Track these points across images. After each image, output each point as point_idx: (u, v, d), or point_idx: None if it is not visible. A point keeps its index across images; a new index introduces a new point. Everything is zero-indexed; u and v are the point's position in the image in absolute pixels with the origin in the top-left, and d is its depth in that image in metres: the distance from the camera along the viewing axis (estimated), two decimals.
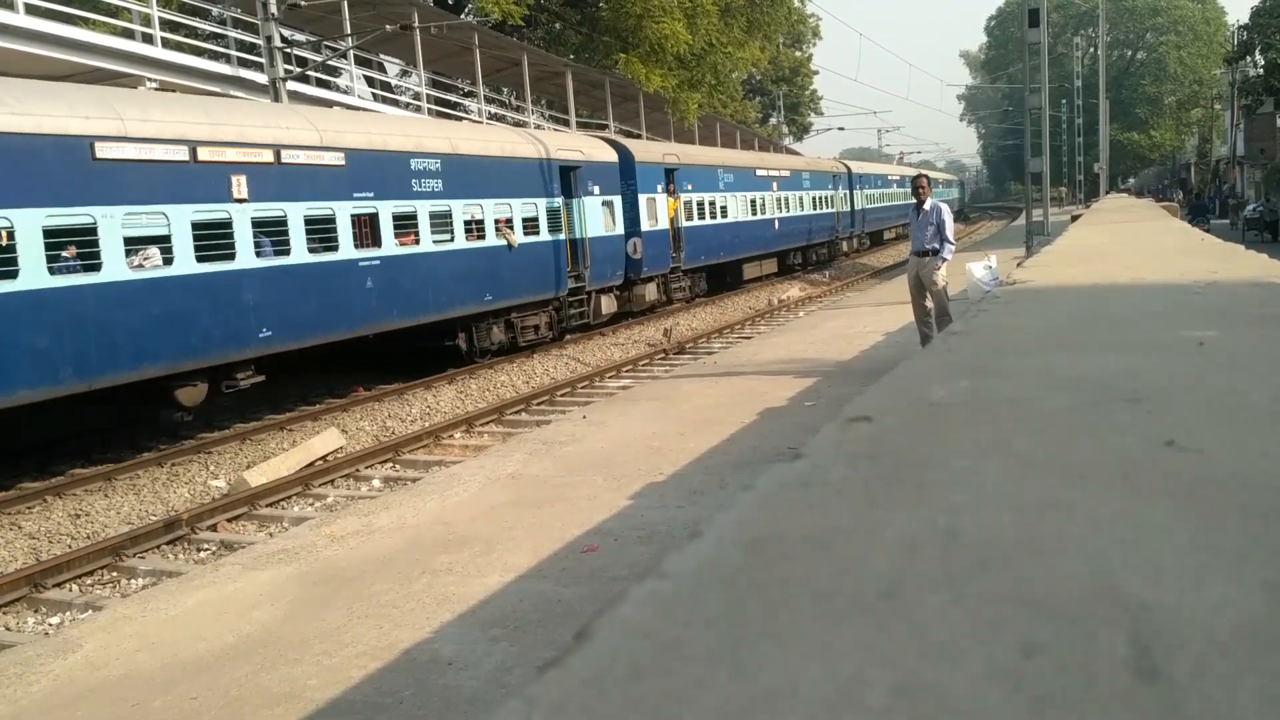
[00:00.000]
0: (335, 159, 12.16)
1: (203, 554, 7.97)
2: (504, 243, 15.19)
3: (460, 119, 21.97)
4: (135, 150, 9.69)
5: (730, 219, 24.62)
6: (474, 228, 14.71)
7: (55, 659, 4.71)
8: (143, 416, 10.88)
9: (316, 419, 12.03)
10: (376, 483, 9.74)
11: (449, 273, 14.01)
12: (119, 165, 9.55)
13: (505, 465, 7.64)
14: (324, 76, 21.58)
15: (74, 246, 9.23)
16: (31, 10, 13.89)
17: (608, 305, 18.61)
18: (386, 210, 12.86)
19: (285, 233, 11.39)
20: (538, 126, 25.01)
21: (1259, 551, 1.02)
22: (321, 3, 17.98)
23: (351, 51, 20.14)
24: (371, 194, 12.64)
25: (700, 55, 29.67)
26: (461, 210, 14.37)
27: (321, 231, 11.90)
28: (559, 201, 16.80)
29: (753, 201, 26.35)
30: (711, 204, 23.52)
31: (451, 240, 14.15)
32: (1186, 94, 69.61)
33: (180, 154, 10.16)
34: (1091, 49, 61.09)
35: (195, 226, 10.24)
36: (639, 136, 29.34)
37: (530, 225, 15.97)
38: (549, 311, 16.76)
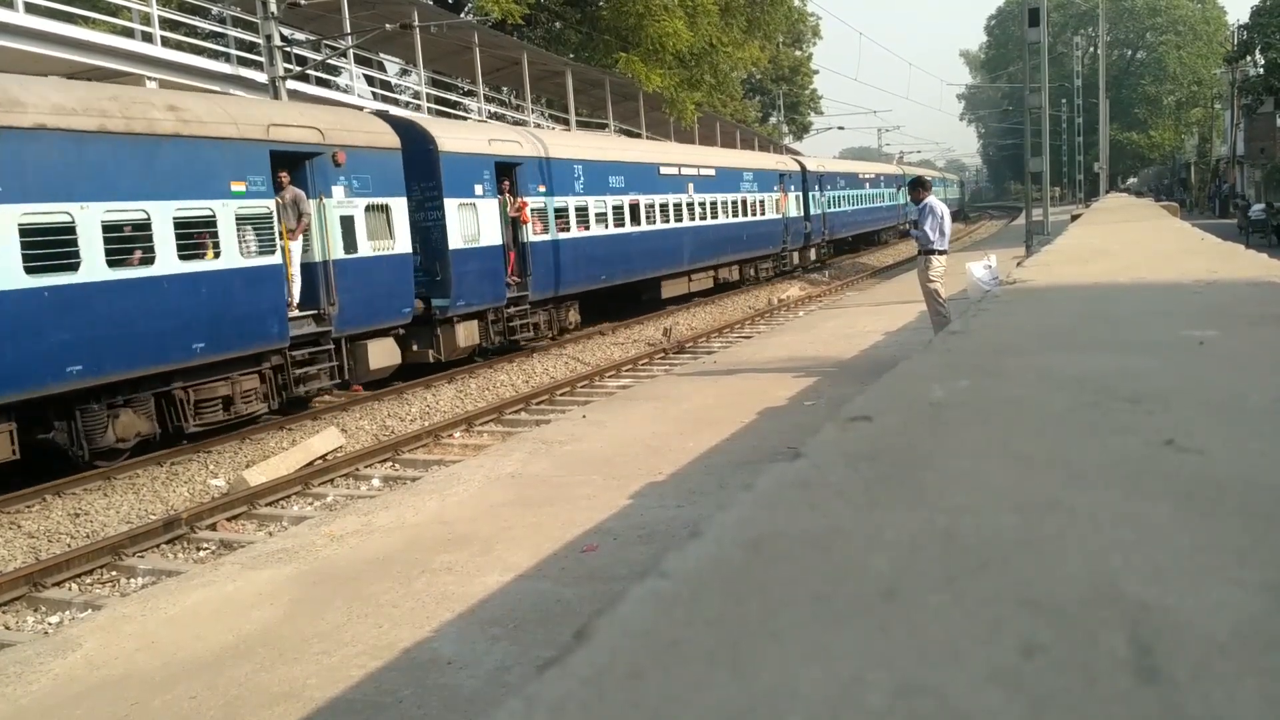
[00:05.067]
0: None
1: (202, 553, 7.97)
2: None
3: (463, 119, 21.98)
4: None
5: None
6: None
7: (55, 658, 4.71)
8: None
9: (316, 418, 12.03)
10: (376, 482, 9.74)
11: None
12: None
13: (505, 465, 7.63)
14: (323, 75, 21.57)
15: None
16: (31, 9, 13.89)
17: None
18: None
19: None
20: (537, 125, 25.02)
21: (1259, 552, 1.02)
22: (321, 1, 17.98)
23: (351, 50, 20.13)
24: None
25: (700, 55, 29.66)
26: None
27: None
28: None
29: None
30: None
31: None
32: (1186, 94, 69.67)
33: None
34: (1091, 48, 61.14)
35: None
36: (639, 135, 29.34)
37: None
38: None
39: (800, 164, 31.61)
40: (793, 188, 29.57)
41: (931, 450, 1.51)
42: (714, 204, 23.86)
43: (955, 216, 52.86)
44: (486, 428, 11.81)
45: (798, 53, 57.18)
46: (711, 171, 24.15)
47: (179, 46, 16.79)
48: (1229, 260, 5.10)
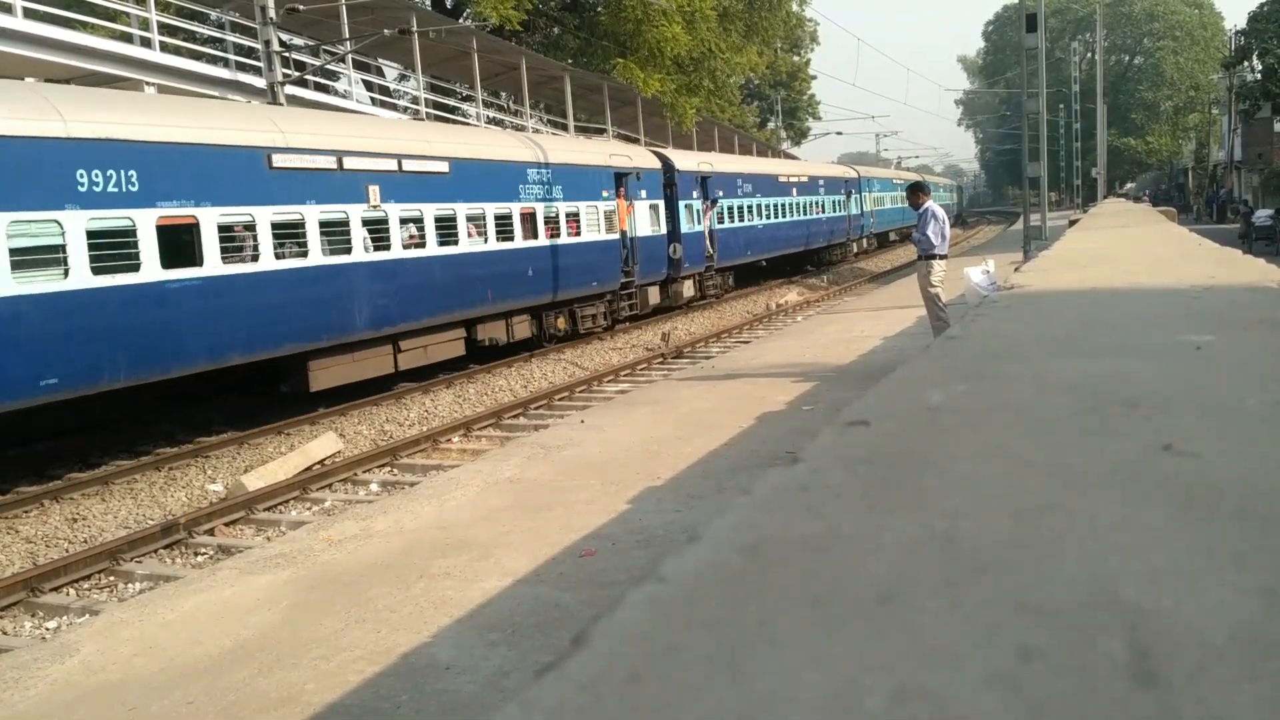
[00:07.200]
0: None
1: (200, 558, 7.96)
2: None
3: (462, 124, 22.01)
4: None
5: None
6: None
7: (52, 663, 4.70)
8: None
9: (314, 423, 12.02)
10: (374, 487, 9.74)
11: None
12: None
13: (503, 469, 7.63)
14: (322, 80, 21.60)
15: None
16: (30, 14, 13.90)
17: None
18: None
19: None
20: (535, 130, 25.05)
21: (1257, 556, 1.02)
22: (320, 7, 18.00)
23: (350, 56, 20.15)
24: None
25: (698, 60, 29.70)
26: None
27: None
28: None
29: None
30: None
31: None
32: (1183, 99, 69.85)
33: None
34: (1089, 54, 61.26)
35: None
36: (637, 140, 29.39)
37: None
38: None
39: (663, 159, 22.03)
40: (645, 194, 20.42)
41: (929, 455, 1.51)
42: (449, 219, 14.44)
43: (954, 222, 51.94)
44: (485, 432, 11.81)
45: (796, 58, 57.29)
46: (441, 166, 14.37)
47: (178, 52, 16.81)
48: (1227, 265, 5.11)
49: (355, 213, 12.60)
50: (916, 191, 10.74)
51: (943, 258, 10.21)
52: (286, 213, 11.59)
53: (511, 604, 4.84)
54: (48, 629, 6.68)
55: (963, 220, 74.66)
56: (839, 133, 62.33)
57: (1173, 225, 12.29)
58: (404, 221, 13.53)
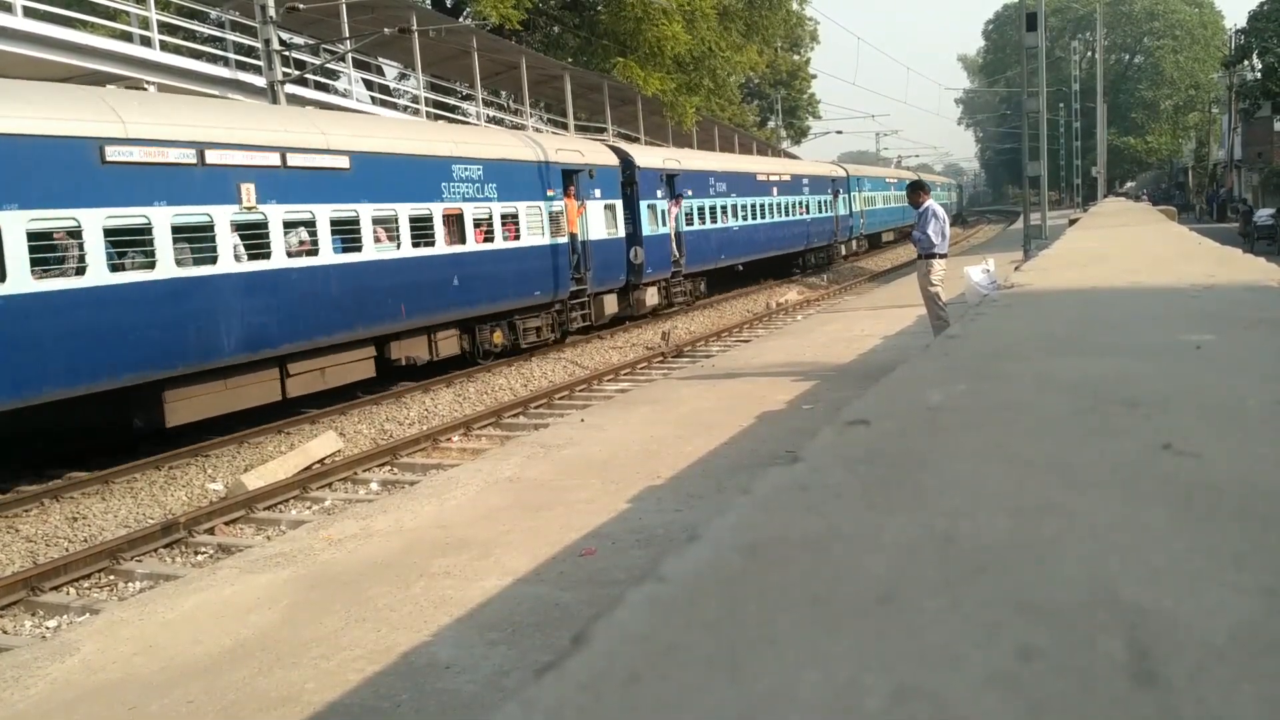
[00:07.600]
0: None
1: (200, 557, 7.96)
2: None
3: (462, 123, 22.03)
4: None
5: None
6: None
7: (52, 662, 4.70)
8: None
9: (314, 422, 12.03)
10: (374, 486, 9.74)
11: None
12: None
13: (503, 468, 7.63)
14: (322, 79, 21.60)
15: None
16: (30, 13, 13.90)
17: None
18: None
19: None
20: (536, 129, 25.05)
21: (1256, 556, 1.02)
22: (320, 6, 18.00)
23: (350, 55, 20.15)
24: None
25: (698, 59, 29.71)
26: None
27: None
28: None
29: None
30: None
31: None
32: (1183, 98, 69.92)
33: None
34: (1089, 53, 61.30)
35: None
36: (637, 140, 29.38)
37: None
38: None
39: (621, 155, 20.29)
40: (599, 193, 18.65)
41: (929, 454, 1.51)
42: (350, 222, 12.54)
43: (953, 221, 51.76)
44: (485, 431, 11.81)
45: (796, 57, 57.30)
46: (339, 161, 12.42)
47: (178, 51, 16.81)
48: (1227, 264, 5.11)
49: (222, 215, 10.65)
50: (916, 190, 10.73)
51: (943, 257, 10.20)
52: (126, 216, 9.67)
53: (511, 603, 4.84)
54: (48, 628, 6.68)
55: (963, 219, 74.67)
56: (839, 132, 62.43)
57: (1172, 224, 12.29)
58: (290, 225, 11.62)
